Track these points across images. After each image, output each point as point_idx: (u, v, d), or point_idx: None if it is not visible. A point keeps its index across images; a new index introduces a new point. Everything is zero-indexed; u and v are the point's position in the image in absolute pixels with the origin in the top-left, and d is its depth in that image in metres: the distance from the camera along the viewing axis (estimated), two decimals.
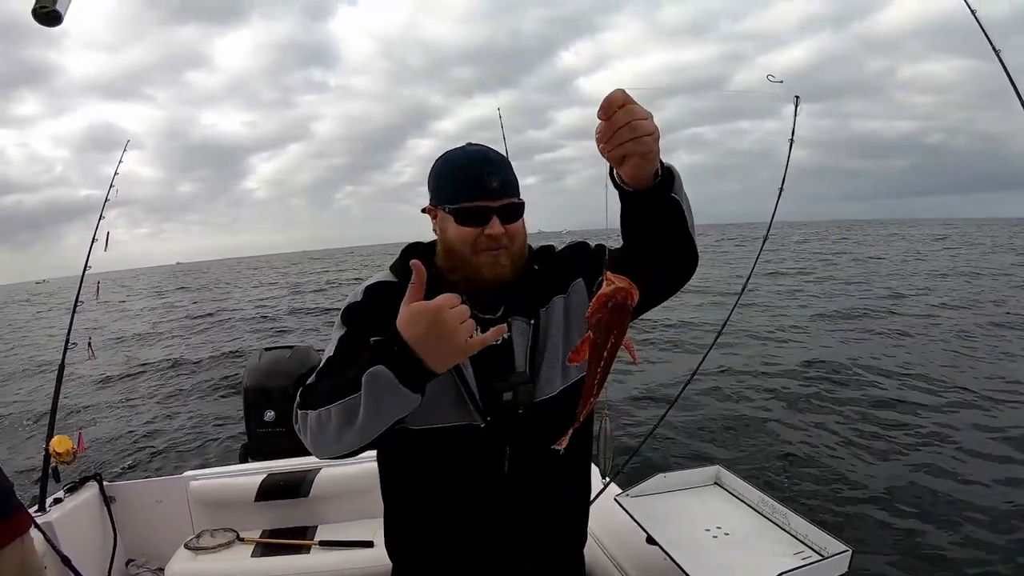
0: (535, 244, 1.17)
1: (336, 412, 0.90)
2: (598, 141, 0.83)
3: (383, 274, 1.13)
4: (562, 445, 0.89)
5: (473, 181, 1.02)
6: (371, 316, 1.03)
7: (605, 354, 0.81)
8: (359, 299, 1.08)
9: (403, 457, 1.13)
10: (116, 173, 2.93)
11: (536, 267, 1.14)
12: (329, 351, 1.06)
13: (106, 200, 2.87)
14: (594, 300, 0.79)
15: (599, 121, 0.82)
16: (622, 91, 0.80)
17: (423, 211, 1.10)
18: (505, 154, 1.10)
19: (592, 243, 1.18)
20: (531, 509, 1.10)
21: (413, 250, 1.14)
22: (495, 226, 1.01)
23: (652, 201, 0.90)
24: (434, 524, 1.12)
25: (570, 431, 0.89)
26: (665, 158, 0.89)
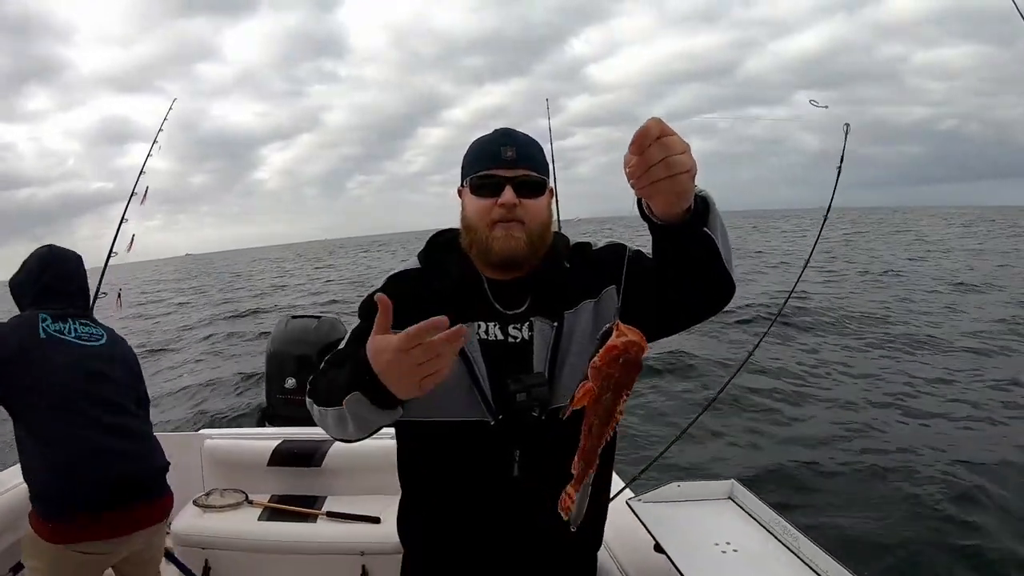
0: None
1: (331, 416, 0.96)
2: (629, 176, 0.75)
3: (411, 262, 1.15)
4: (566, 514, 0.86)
5: (489, 150, 1.04)
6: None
7: (615, 414, 0.75)
8: (378, 289, 1.09)
9: (418, 447, 1.13)
10: (142, 172, 2.93)
11: (568, 264, 1.11)
12: (345, 339, 1.10)
13: (127, 203, 2.90)
14: (603, 351, 0.72)
15: (629, 154, 0.72)
16: (658, 121, 0.71)
17: (458, 193, 1.11)
18: (550, 139, 1.09)
19: (631, 247, 1.13)
20: (541, 514, 1.03)
21: (440, 237, 1.15)
22: (507, 195, 1.00)
23: (683, 235, 0.84)
24: (446, 515, 1.12)
25: (575, 497, 0.84)
26: None
